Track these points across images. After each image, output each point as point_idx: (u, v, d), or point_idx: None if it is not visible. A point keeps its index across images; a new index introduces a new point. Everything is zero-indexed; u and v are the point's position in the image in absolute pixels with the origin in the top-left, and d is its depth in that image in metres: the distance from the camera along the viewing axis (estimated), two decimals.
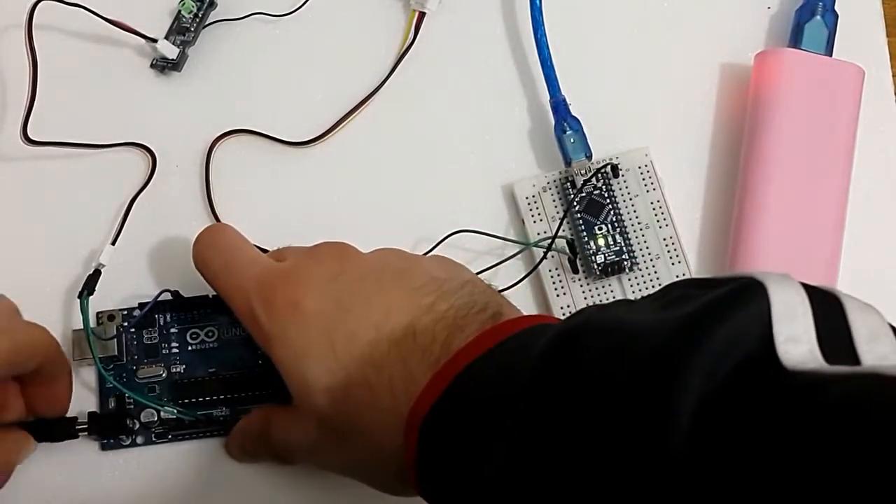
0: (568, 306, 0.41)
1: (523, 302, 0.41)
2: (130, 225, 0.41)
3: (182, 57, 0.44)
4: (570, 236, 0.41)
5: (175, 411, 0.38)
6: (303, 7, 0.45)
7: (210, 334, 0.40)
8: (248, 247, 0.38)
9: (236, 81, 0.44)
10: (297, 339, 0.33)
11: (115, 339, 0.39)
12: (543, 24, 0.43)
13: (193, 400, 0.39)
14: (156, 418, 0.39)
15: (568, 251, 0.41)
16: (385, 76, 0.44)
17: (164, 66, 0.44)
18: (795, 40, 0.43)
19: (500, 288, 0.39)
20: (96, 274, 0.40)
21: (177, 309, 0.40)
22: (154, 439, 0.39)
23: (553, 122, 0.43)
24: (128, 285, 0.41)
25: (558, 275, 0.41)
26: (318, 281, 0.34)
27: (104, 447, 0.39)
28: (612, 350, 0.26)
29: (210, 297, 0.40)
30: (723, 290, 0.25)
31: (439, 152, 0.44)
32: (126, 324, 0.40)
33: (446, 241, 0.41)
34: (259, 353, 0.40)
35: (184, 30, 0.44)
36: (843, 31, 0.43)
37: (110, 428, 0.39)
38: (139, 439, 0.39)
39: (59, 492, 0.39)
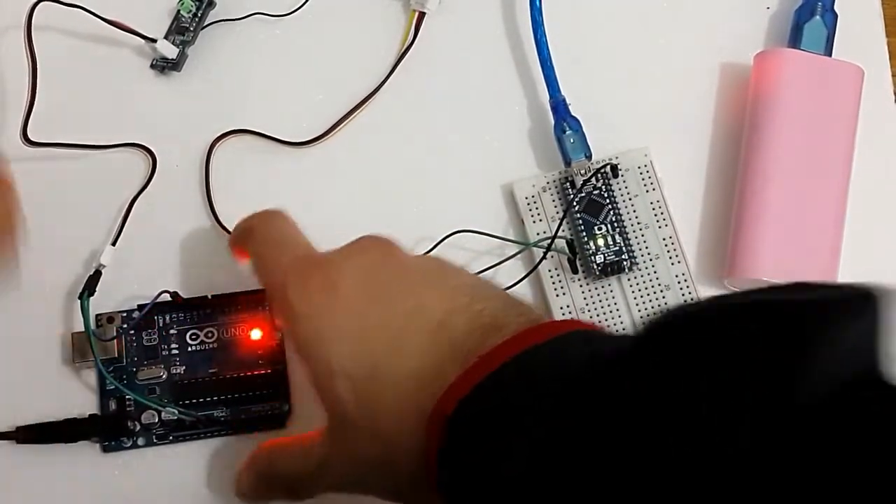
0: (567, 306, 0.41)
1: None
2: (130, 225, 0.41)
3: (182, 57, 0.44)
4: (569, 236, 0.41)
5: (176, 412, 0.38)
6: (303, 7, 0.45)
7: (210, 335, 0.40)
8: (301, 235, 0.37)
9: (236, 81, 0.44)
10: (327, 322, 0.32)
11: (115, 341, 0.39)
12: (543, 24, 0.43)
13: (194, 401, 0.39)
14: (156, 419, 0.39)
15: (567, 251, 0.41)
16: (385, 76, 0.44)
17: (163, 66, 0.44)
18: (795, 40, 0.43)
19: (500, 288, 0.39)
20: (97, 274, 0.40)
21: (176, 310, 0.40)
22: (155, 440, 0.39)
23: (553, 122, 0.43)
24: (127, 286, 0.41)
25: (558, 275, 0.41)
26: (358, 268, 0.33)
27: (105, 449, 0.39)
28: (704, 346, 0.25)
29: (209, 297, 0.40)
30: (836, 293, 0.25)
31: (439, 152, 0.44)
32: (125, 325, 0.40)
33: (446, 241, 0.41)
34: (259, 353, 0.40)
35: (183, 30, 0.44)
36: (842, 31, 0.43)
37: (111, 429, 0.39)
38: (140, 441, 0.39)
39: (60, 494, 0.39)
